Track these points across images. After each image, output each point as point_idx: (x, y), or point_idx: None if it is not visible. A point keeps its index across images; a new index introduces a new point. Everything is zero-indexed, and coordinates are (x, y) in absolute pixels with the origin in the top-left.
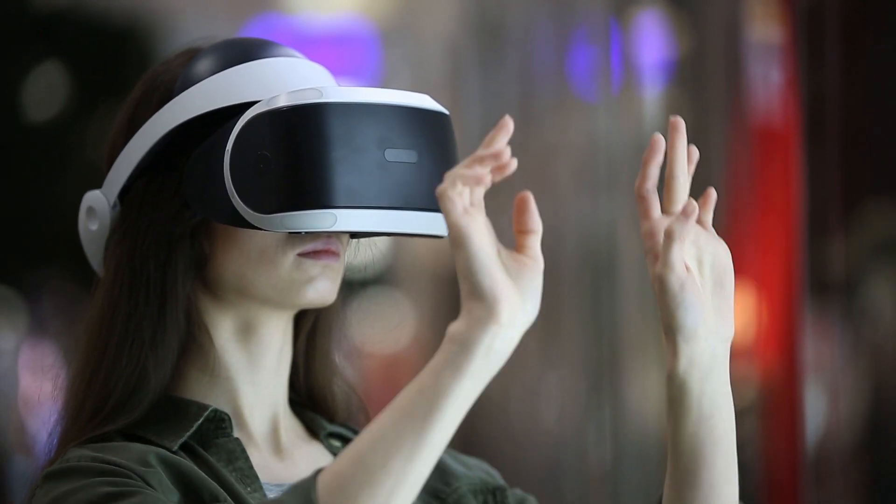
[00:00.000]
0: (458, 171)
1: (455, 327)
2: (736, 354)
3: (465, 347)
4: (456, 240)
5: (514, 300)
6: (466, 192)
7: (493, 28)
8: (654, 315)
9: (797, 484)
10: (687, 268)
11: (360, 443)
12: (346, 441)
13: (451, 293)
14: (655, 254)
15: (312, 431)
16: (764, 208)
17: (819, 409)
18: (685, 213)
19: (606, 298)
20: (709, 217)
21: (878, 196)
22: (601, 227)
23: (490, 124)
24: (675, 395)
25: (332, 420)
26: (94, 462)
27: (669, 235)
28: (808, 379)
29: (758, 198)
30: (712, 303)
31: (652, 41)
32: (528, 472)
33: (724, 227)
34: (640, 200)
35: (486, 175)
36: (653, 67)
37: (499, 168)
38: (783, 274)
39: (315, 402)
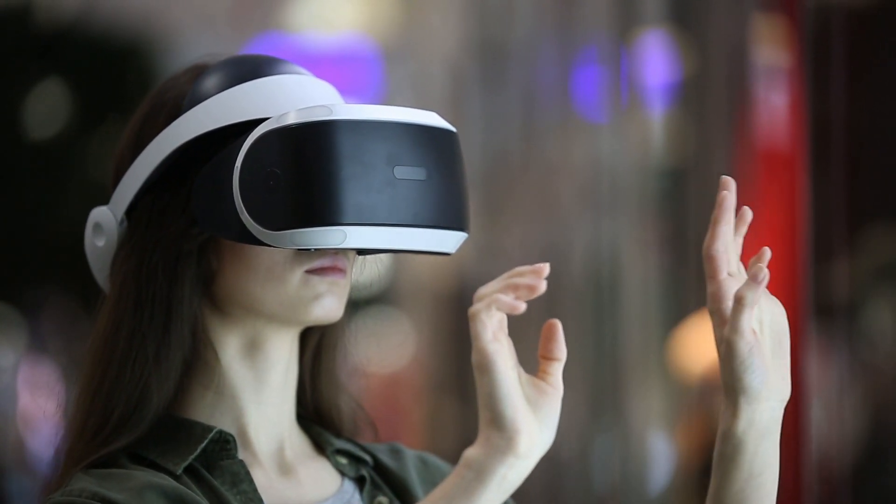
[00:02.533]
0: (496, 295)
1: (471, 454)
2: None
3: (480, 476)
4: (482, 366)
5: (534, 432)
6: (497, 317)
7: (495, 48)
8: (657, 335)
9: (800, 503)
10: (752, 331)
11: None
12: (352, 457)
13: (451, 312)
14: (722, 316)
15: (319, 447)
16: (768, 231)
17: (821, 429)
18: (755, 278)
19: (609, 319)
20: None
21: (882, 219)
22: (604, 247)
23: (492, 144)
24: (729, 453)
25: (338, 435)
26: (93, 499)
27: (740, 301)
28: (810, 400)
29: (761, 220)
30: (772, 364)
31: (657, 62)
32: (531, 495)
33: None
34: (709, 260)
35: (521, 306)
36: (657, 88)
37: (528, 288)
38: (786, 296)
39: (322, 418)
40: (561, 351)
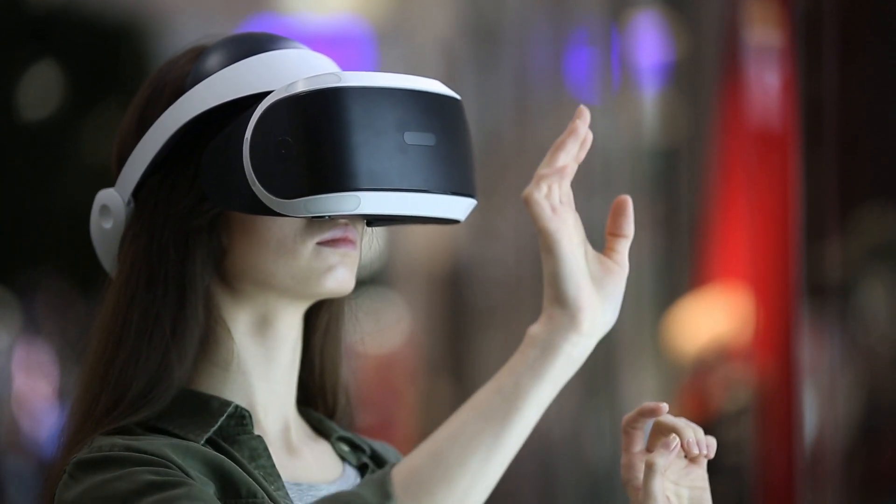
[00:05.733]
0: (541, 171)
1: (536, 331)
2: (732, 356)
3: (546, 353)
4: (545, 245)
5: (596, 309)
6: (554, 190)
7: (488, 30)
8: (650, 316)
9: (792, 485)
10: (667, 498)
11: (436, 440)
12: (354, 446)
13: (446, 293)
14: (635, 486)
15: (318, 432)
16: (760, 211)
17: (814, 411)
18: (666, 445)
19: None
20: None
21: (875, 199)
22: (596, 228)
23: (485, 125)
24: None
25: (330, 416)
26: (129, 451)
27: (650, 468)
28: (803, 381)
29: (754, 201)
30: None
31: (649, 43)
32: (524, 475)
33: (720, 230)
34: (625, 435)
35: (569, 164)
36: (650, 69)
37: (575, 139)
38: (779, 277)
39: (324, 399)
40: (629, 227)
